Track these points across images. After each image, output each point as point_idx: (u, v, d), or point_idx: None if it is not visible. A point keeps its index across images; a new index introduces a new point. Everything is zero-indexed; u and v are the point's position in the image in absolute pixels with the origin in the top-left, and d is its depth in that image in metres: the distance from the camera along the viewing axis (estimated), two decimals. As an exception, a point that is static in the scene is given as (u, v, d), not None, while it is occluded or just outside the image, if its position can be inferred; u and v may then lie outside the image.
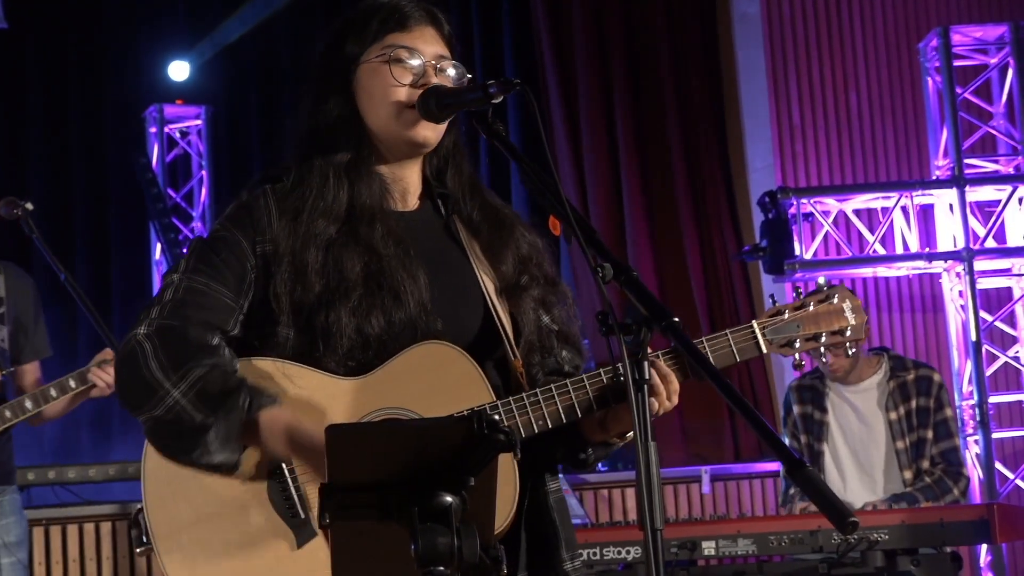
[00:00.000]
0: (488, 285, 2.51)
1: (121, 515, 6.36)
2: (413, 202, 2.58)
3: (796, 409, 5.72)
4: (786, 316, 2.52)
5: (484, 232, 2.56)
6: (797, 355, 2.53)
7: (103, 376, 4.64)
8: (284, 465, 2.39)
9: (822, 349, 2.47)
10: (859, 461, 5.62)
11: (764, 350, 2.48)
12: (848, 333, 2.56)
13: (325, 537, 2.33)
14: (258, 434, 2.33)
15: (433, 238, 2.54)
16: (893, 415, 5.57)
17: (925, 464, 5.49)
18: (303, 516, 2.38)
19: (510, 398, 2.37)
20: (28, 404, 4.65)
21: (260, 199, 2.49)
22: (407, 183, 2.57)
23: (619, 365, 2.29)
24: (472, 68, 2.57)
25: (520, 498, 2.37)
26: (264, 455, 2.38)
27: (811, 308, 2.54)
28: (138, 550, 2.44)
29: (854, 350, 5.38)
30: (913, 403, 5.56)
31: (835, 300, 2.56)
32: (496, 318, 2.47)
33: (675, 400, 2.37)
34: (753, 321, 2.51)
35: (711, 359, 2.43)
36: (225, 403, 2.31)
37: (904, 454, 5.52)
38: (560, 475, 2.61)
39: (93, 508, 6.43)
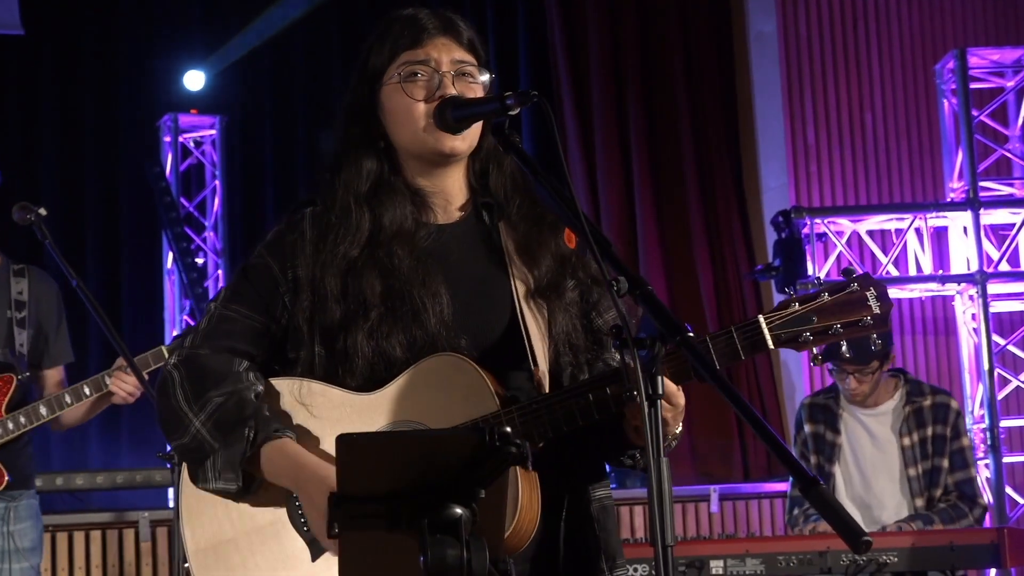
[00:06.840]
0: (520, 291, 2.47)
1: (128, 523, 6.34)
2: (456, 213, 2.55)
3: (807, 428, 5.64)
4: (796, 308, 2.34)
5: (522, 231, 2.52)
6: (814, 349, 2.36)
7: (121, 385, 4.62)
8: None
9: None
10: (870, 486, 5.56)
11: (771, 346, 2.32)
12: (870, 322, 2.34)
13: (334, 552, 2.33)
14: (260, 465, 2.39)
15: (469, 248, 2.52)
16: (907, 441, 5.48)
17: (938, 493, 5.42)
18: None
19: (513, 407, 2.33)
20: (43, 410, 4.63)
21: (297, 224, 2.53)
22: (448, 193, 2.54)
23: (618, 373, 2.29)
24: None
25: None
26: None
27: (826, 298, 2.34)
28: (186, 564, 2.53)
29: (875, 375, 5.42)
30: (929, 430, 5.47)
31: (856, 288, 2.35)
32: (523, 326, 2.43)
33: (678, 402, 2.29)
34: (759, 315, 2.34)
35: (715, 359, 2.30)
36: (233, 433, 2.38)
37: (916, 481, 5.44)
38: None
39: (100, 515, 6.41)
